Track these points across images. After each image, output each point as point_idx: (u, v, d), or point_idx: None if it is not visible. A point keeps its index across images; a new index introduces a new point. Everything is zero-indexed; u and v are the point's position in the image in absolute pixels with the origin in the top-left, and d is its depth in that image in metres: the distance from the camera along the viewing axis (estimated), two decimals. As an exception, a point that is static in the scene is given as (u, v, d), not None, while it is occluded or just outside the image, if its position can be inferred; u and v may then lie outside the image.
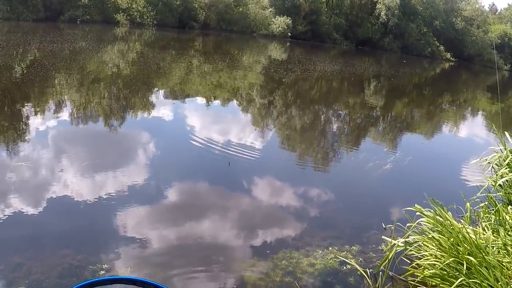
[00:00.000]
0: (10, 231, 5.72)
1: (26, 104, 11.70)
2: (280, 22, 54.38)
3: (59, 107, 11.93)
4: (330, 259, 5.78)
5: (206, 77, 20.65)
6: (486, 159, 7.18)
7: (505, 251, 5.03)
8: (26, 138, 9.22)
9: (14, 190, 6.71)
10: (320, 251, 5.97)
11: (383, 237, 6.32)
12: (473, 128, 19.57)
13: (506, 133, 7.46)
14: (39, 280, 4.69)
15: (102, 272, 4.92)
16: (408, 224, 5.75)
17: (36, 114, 10.94)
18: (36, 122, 10.26)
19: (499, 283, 4.38)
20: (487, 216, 6.08)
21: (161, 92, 16.10)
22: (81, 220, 6.22)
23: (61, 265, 5.00)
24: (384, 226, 6.72)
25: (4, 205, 6.23)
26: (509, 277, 4.63)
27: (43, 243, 5.50)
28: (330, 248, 6.07)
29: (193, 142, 10.24)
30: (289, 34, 55.15)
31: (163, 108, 13.44)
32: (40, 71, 15.98)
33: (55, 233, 5.81)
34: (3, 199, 6.40)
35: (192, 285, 5.05)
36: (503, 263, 4.77)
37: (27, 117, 10.60)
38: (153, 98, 14.87)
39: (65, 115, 11.26)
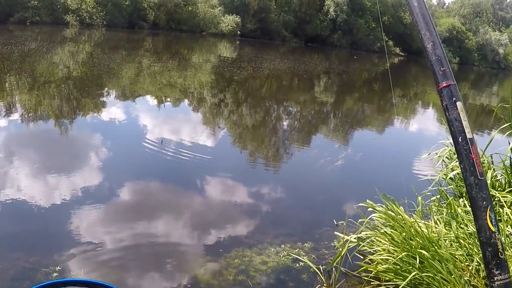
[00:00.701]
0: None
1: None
2: (229, 21, 54.45)
3: (8, 109, 11.56)
4: (283, 257, 5.68)
5: (156, 77, 20.37)
6: (436, 153, 7.23)
7: (457, 244, 5.04)
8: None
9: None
10: (272, 249, 5.87)
11: (335, 233, 6.25)
12: (423, 121, 19.88)
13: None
14: (-10, 285, 4.50)
15: (55, 274, 4.76)
16: (360, 220, 5.70)
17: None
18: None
19: (452, 276, 4.37)
20: (439, 210, 6.09)
21: (112, 93, 15.75)
22: (33, 223, 5.99)
23: (13, 268, 4.81)
24: (336, 223, 6.67)
25: None
26: (462, 269, 4.63)
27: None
28: (283, 246, 5.97)
29: (145, 143, 10.00)
30: (239, 32, 55.28)
31: (114, 109, 13.12)
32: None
33: (6, 236, 5.58)
34: None
35: (145, 285, 4.92)
36: (456, 256, 4.77)
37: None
38: (103, 99, 14.51)
39: (15, 117, 10.91)
